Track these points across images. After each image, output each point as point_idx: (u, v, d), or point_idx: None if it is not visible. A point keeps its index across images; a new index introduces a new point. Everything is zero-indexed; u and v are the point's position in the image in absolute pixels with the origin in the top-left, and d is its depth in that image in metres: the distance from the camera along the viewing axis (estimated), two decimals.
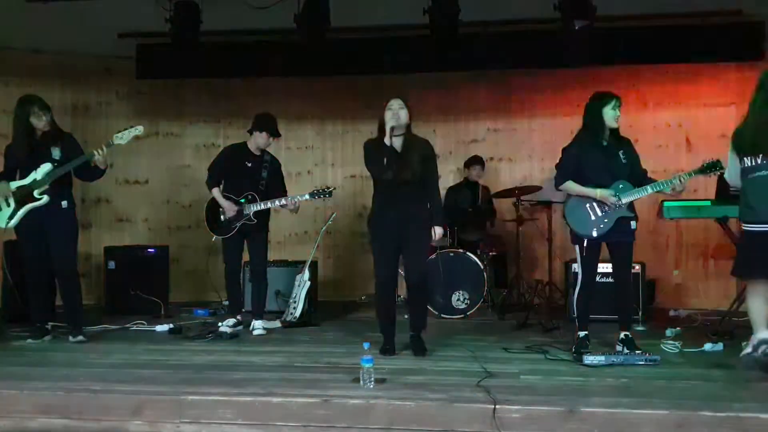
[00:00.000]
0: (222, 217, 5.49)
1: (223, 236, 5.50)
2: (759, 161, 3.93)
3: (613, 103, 4.43)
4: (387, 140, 4.46)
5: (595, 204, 4.45)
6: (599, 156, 4.46)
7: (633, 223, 4.48)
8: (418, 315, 4.67)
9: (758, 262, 3.96)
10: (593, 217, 4.44)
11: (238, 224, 5.45)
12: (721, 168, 4.29)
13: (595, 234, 4.44)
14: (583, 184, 4.48)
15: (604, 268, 4.97)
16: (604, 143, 4.49)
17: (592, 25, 5.50)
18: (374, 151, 4.55)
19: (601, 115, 4.44)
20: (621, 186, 4.43)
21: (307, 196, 5.46)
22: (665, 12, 6.15)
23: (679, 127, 7.15)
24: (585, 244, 4.47)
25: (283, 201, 5.46)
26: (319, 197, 5.46)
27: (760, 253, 3.93)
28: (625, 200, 4.41)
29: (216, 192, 5.50)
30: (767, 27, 6.02)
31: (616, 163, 4.47)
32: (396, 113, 4.46)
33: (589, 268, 4.53)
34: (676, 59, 6.47)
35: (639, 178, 4.52)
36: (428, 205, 4.62)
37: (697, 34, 6.14)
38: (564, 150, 4.63)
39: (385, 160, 4.44)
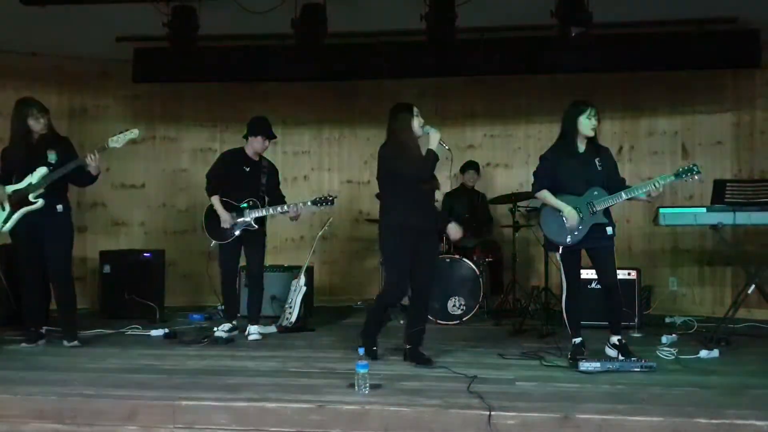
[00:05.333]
0: (222, 223, 5.45)
1: (222, 241, 5.47)
2: None
3: (588, 112, 4.45)
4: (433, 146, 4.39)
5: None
6: (574, 163, 4.50)
7: (609, 229, 4.50)
8: (420, 330, 4.56)
9: None
10: (567, 225, 4.46)
11: (238, 230, 5.43)
12: (698, 172, 4.31)
13: (569, 241, 4.47)
14: (559, 191, 4.51)
15: (593, 275, 4.98)
16: (580, 151, 4.52)
17: (589, 31, 5.51)
18: (408, 150, 4.42)
19: (576, 123, 4.47)
20: (595, 193, 4.47)
21: (309, 204, 5.39)
22: (662, 19, 6.17)
23: (675, 135, 7.18)
24: (561, 252, 4.51)
25: (286, 208, 5.38)
26: (322, 205, 5.35)
27: None
28: (598, 207, 4.44)
29: (215, 200, 5.44)
30: (763, 34, 6.04)
31: (592, 171, 4.50)
32: (419, 118, 4.47)
33: (572, 275, 4.56)
34: (672, 66, 6.48)
35: (616, 185, 4.53)
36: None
37: (694, 41, 6.16)
38: (541, 157, 4.67)
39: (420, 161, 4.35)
